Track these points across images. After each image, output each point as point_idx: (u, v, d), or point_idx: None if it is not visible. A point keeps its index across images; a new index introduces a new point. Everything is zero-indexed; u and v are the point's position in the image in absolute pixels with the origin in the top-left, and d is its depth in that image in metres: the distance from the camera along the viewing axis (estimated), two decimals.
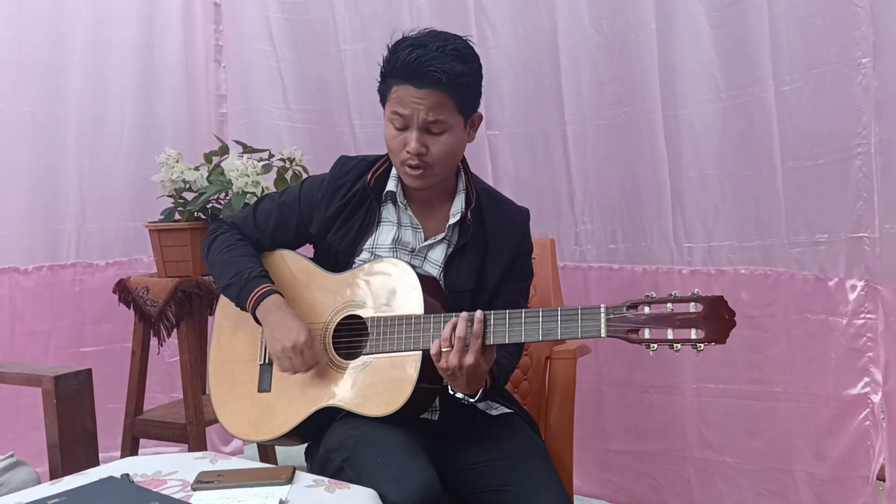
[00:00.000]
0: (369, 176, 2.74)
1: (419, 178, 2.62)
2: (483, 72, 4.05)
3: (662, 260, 3.89)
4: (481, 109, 4.00)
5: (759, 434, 3.73)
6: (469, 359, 2.38)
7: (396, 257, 2.66)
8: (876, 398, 3.33)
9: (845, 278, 3.37)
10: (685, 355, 3.71)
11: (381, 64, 2.62)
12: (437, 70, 2.50)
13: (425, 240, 2.73)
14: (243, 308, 2.70)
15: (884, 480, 3.29)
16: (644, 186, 3.90)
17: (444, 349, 2.39)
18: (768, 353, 3.65)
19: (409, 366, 2.51)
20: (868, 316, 3.32)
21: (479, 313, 2.40)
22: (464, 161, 2.80)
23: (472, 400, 2.56)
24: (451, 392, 2.56)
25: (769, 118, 3.49)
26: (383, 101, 2.64)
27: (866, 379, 3.35)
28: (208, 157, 3.94)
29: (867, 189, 3.25)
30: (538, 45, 4.07)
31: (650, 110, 3.82)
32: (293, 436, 2.68)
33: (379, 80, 2.64)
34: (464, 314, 2.41)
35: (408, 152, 2.57)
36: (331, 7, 4.51)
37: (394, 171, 2.75)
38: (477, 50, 4.04)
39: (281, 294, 2.69)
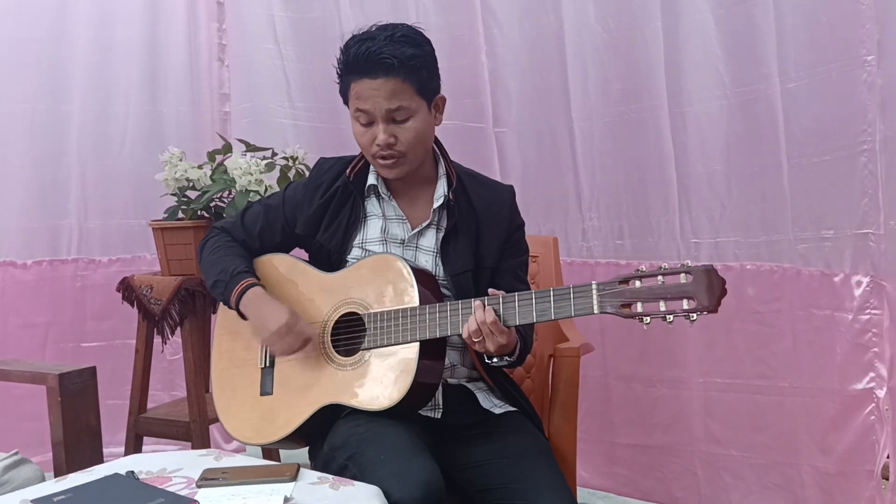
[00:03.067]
0: (348, 171, 2.77)
1: (393, 167, 2.65)
2: (490, 70, 4.08)
3: (669, 255, 3.88)
4: (489, 106, 4.04)
5: (764, 428, 3.73)
6: (502, 339, 2.41)
7: (388, 251, 2.68)
8: (881, 393, 3.33)
9: (851, 274, 3.37)
10: (691, 349, 3.75)
11: (337, 65, 2.67)
12: (388, 56, 2.53)
13: (412, 230, 2.74)
14: (228, 305, 2.73)
15: (888, 479, 3.30)
16: (651, 183, 3.90)
17: (475, 339, 2.41)
18: (774, 348, 3.65)
19: (408, 358, 2.52)
20: (873, 312, 3.32)
21: (478, 302, 2.43)
22: (441, 146, 2.83)
23: (510, 359, 2.58)
24: (489, 362, 2.57)
25: (775, 115, 3.49)
26: (345, 100, 2.69)
27: (871, 374, 3.35)
28: (211, 156, 3.93)
29: (872, 186, 3.26)
30: (545, 44, 4.07)
31: (656, 107, 3.82)
32: (296, 438, 2.68)
33: (337, 82, 2.69)
34: (477, 303, 2.44)
35: (377, 145, 2.59)
36: (336, 6, 4.50)
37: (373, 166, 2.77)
38: (484, 48, 4.10)
39: (263, 287, 2.71)
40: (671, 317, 2.24)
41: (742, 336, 3.70)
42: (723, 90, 3.63)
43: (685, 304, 2.23)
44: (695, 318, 2.22)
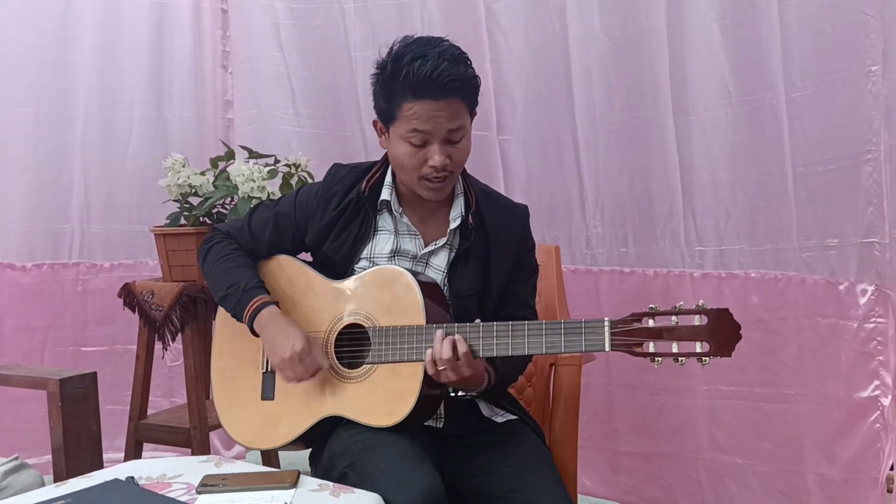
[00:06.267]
0: (364, 184, 2.71)
1: (441, 189, 2.60)
2: (494, 78, 4.10)
3: (674, 263, 3.90)
4: (493, 114, 4.09)
5: (769, 436, 3.74)
6: (465, 371, 2.40)
7: (396, 264, 2.65)
8: (886, 401, 3.35)
9: (856, 283, 3.38)
10: None
11: (379, 83, 2.58)
12: (453, 79, 2.46)
13: (425, 246, 2.70)
14: (240, 320, 2.68)
15: (891, 492, 3.30)
16: (655, 191, 3.91)
17: (440, 367, 2.39)
18: (779, 355, 3.66)
19: (412, 376, 2.49)
20: (878, 320, 3.33)
21: (458, 337, 2.41)
22: None
23: (474, 394, 2.58)
24: (453, 394, 2.56)
25: (780, 124, 3.50)
26: (389, 119, 2.57)
27: (876, 382, 3.36)
28: (214, 162, 3.93)
29: (877, 195, 3.27)
30: (549, 52, 4.07)
31: (662, 115, 3.82)
32: (297, 442, 2.67)
33: (380, 99, 2.59)
34: (440, 334, 2.43)
35: (432, 167, 2.52)
36: (341, 13, 4.50)
37: (388, 180, 2.72)
38: (488, 56, 4.09)
39: (277, 304, 2.67)
40: (683, 359, 2.23)
41: (747, 344, 3.61)
42: (728, 99, 3.64)
43: (698, 347, 2.22)
44: (707, 361, 2.21)
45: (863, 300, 3.36)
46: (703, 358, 2.21)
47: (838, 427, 3.49)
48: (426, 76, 2.44)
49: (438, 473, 2.36)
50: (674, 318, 2.24)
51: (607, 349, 2.30)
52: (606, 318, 2.31)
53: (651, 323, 2.26)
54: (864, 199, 3.30)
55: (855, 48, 3.24)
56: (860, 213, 3.32)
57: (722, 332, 2.20)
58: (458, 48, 2.56)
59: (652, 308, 2.27)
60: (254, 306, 2.63)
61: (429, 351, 2.42)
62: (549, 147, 4.16)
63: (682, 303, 2.28)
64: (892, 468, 3.36)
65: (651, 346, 2.25)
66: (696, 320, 2.22)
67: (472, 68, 2.57)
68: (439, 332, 2.41)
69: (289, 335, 2.56)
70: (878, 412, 3.37)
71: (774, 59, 3.48)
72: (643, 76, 3.85)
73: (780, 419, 3.69)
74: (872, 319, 3.34)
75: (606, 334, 2.29)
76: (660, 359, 2.24)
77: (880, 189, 3.26)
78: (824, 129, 3.38)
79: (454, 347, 2.39)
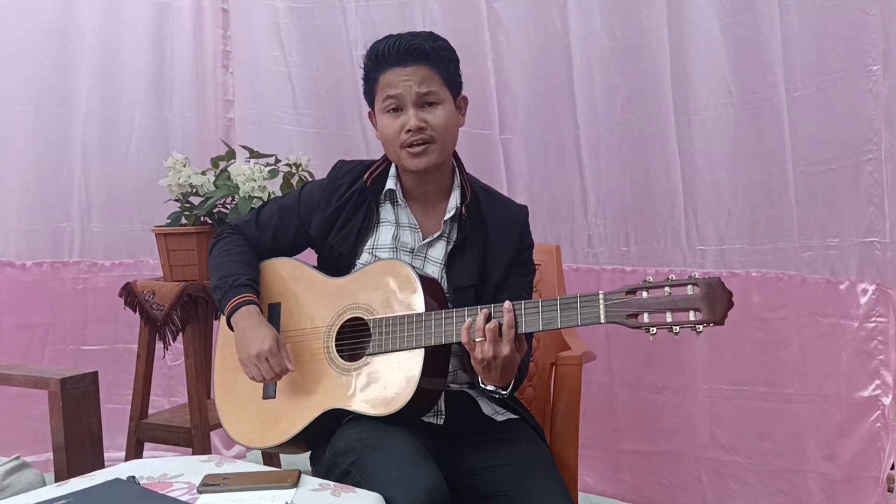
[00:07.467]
0: (366, 176, 2.76)
1: (423, 154, 2.63)
2: (496, 77, 4.09)
3: (675, 262, 3.90)
4: (495, 113, 4.05)
5: (770, 435, 3.74)
6: (505, 349, 2.38)
7: (397, 258, 2.66)
8: (886, 401, 3.35)
9: (856, 282, 3.38)
10: (697, 355, 3.75)
11: (363, 69, 2.69)
12: (419, 44, 2.58)
13: (423, 239, 2.72)
14: (222, 313, 2.73)
15: (892, 492, 3.31)
16: (657, 190, 3.91)
17: (477, 339, 2.40)
18: (780, 354, 3.66)
19: (412, 363, 2.50)
20: (879, 319, 3.33)
21: (507, 304, 2.39)
22: (457, 158, 2.81)
23: (504, 393, 2.56)
24: (483, 385, 2.55)
25: (781, 123, 3.50)
26: (372, 99, 2.69)
27: (877, 381, 3.36)
28: (215, 162, 3.93)
29: (878, 194, 3.28)
30: (551, 51, 4.08)
31: (663, 115, 3.83)
32: (298, 442, 2.67)
33: (365, 86, 2.71)
34: (492, 306, 2.43)
35: (409, 130, 2.59)
36: (342, 13, 4.50)
37: (392, 171, 2.76)
38: (490, 55, 4.14)
39: (259, 305, 2.70)
40: (677, 328, 2.23)
41: (748, 343, 3.70)
42: (729, 98, 3.64)
43: (692, 316, 2.22)
44: (701, 329, 2.21)
45: (863, 299, 3.36)
46: (697, 326, 2.21)
47: (839, 426, 3.49)
48: (391, 47, 2.61)
49: (440, 471, 2.36)
50: (667, 289, 2.25)
51: (603, 321, 2.31)
52: (601, 292, 2.32)
53: (645, 294, 2.27)
54: (865, 198, 3.31)
55: (856, 48, 3.25)
56: (861, 213, 3.33)
57: (714, 300, 2.20)
58: (439, 37, 2.70)
59: (646, 281, 2.29)
60: (235, 302, 2.67)
61: (468, 320, 2.43)
62: (551, 146, 4.16)
63: (673, 276, 2.29)
64: (892, 467, 3.36)
65: (646, 317, 2.26)
66: (689, 290, 2.23)
67: (448, 44, 2.69)
68: (484, 310, 2.42)
69: (259, 333, 2.60)
70: (879, 411, 3.37)
71: (775, 59, 3.48)
72: (644, 75, 3.86)
73: (780, 418, 3.69)
74: (873, 319, 3.35)
75: (601, 306, 2.31)
76: (654, 329, 2.25)
77: (881, 188, 3.27)
78: (825, 128, 3.38)
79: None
